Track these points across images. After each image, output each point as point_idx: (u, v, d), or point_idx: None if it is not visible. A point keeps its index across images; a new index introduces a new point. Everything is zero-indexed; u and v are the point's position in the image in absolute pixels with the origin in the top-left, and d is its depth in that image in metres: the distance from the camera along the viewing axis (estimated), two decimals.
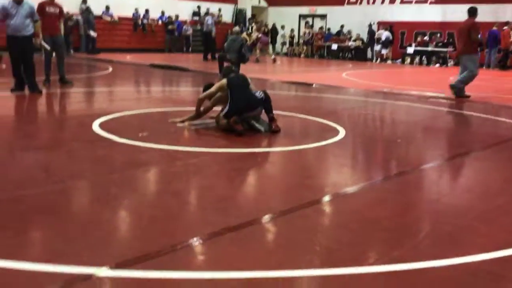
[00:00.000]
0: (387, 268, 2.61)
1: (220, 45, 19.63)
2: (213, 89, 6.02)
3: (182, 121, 6.14)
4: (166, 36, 23.25)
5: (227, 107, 5.77)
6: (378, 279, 2.54)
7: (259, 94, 5.89)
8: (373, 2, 23.69)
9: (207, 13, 22.55)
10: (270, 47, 21.86)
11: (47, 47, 9.17)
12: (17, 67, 8.35)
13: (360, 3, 24.08)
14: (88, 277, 2.38)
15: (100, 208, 3.35)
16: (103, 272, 2.41)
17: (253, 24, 22.82)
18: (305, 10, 26.11)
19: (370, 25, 22.64)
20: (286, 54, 25.12)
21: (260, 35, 19.59)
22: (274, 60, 19.53)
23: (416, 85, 12.07)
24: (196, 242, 2.84)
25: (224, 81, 5.96)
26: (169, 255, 2.65)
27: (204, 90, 6.34)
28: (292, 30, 25.04)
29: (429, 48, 20.97)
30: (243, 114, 5.81)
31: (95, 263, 2.48)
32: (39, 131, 6.07)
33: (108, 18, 21.79)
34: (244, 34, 18.63)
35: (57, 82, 9.62)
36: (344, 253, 2.80)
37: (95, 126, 5.79)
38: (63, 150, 4.96)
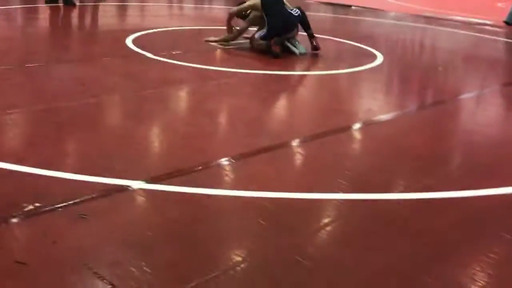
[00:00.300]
0: (417, 196, 2.60)
1: None
2: (245, 4, 5.76)
3: (217, 41, 6.00)
4: None
5: (265, 30, 5.55)
6: (408, 206, 2.54)
7: (295, 12, 5.65)
8: None
9: None
10: None
11: None
12: None
13: None
14: (124, 188, 2.45)
15: (134, 124, 3.39)
16: (138, 184, 2.48)
17: None
18: None
19: None
20: None
21: None
22: None
23: (461, 10, 11.45)
24: (228, 161, 2.87)
25: (258, 0, 5.69)
26: (202, 172, 2.69)
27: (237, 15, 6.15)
28: None
29: None
30: (281, 35, 5.62)
31: (130, 176, 2.54)
32: (74, 45, 6.08)
33: None
34: None
35: None
36: (374, 179, 2.79)
37: (129, 41, 5.75)
38: (98, 64, 4.97)
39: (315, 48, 5.66)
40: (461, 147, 3.50)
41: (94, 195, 2.37)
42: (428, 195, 2.61)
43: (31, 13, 8.00)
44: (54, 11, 8.09)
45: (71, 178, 2.52)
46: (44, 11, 8.07)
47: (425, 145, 3.39)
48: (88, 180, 2.50)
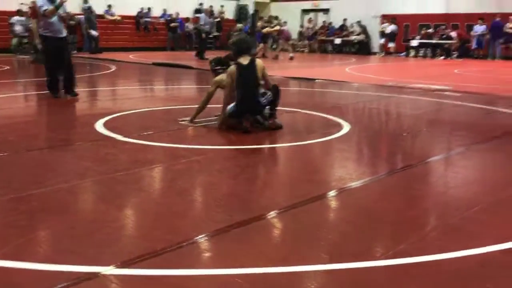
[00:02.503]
0: (393, 262, 2.60)
1: (224, 42, 19.62)
2: (227, 79, 5.74)
3: (191, 120, 6.08)
4: (168, 34, 23.24)
5: (233, 107, 5.63)
6: (384, 273, 2.53)
7: (266, 99, 5.70)
8: None
9: (200, 11, 21.99)
10: (280, 43, 19.79)
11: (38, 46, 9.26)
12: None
13: None
14: (95, 275, 2.38)
15: (106, 207, 3.36)
16: (109, 270, 2.41)
17: (258, 22, 22.63)
18: (307, 4, 26.03)
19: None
20: (286, 50, 25.04)
21: (281, 28, 18.87)
22: (292, 59, 18.18)
23: (421, 78, 12.01)
24: (201, 239, 2.84)
25: (234, 69, 5.66)
26: (174, 252, 2.65)
27: (214, 64, 6.30)
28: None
29: (434, 41, 20.87)
30: (246, 116, 5.69)
31: (101, 261, 2.49)
32: (43, 131, 6.08)
33: (110, 17, 21.80)
34: (261, 27, 18.15)
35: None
36: (350, 248, 2.79)
37: (99, 125, 5.80)
38: (69, 149, 4.97)
39: (269, 128, 5.73)
40: (432, 209, 3.55)
41: (64, 284, 2.30)
42: (403, 261, 2.61)
43: (6, 103, 8.03)
44: (20, 99, 8.14)
45: (40, 268, 2.45)
46: (16, 101, 8.11)
47: (397, 210, 3.43)
48: (58, 270, 2.43)
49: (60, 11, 7.88)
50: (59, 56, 8.00)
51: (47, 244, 2.86)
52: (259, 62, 5.77)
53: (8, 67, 14.05)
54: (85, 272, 2.40)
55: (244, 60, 5.67)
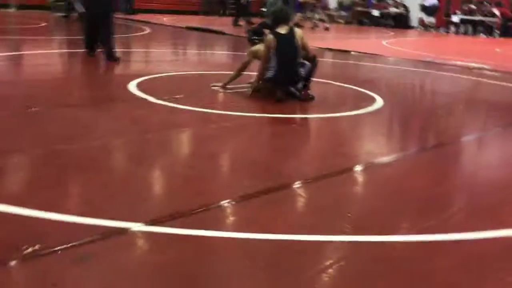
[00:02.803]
0: (419, 238, 2.58)
1: (258, 9, 19.30)
2: (264, 48, 5.61)
3: (223, 86, 6.07)
4: None
5: (272, 73, 5.55)
6: (410, 248, 2.52)
7: (304, 69, 5.63)
8: None
9: None
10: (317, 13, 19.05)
11: (79, 9, 9.25)
12: None
13: None
14: (124, 231, 2.44)
15: (136, 166, 3.41)
16: (139, 227, 2.47)
17: None
18: None
19: None
20: (323, 21, 24.54)
21: None
22: (327, 29, 17.66)
23: (460, 55, 11.65)
24: (228, 203, 2.87)
25: (271, 39, 5.51)
26: (202, 214, 2.69)
27: (251, 34, 6.25)
28: None
29: (476, 17, 20.14)
30: (281, 86, 5.66)
31: (130, 218, 2.54)
32: (78, 89, 6.18)
33: None
34: None
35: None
36: (376, 221, 2.78)
37: (132, 86, 5.85)
38: (102, 108, 5.04)
39: (302, 98, 5.68)
40: (462, 189, 3.49)
41: (94, 238, 2.36)
42: (429, 237, 2.59)
43: (43, 59, 8.18)
44: (62, 58, 8.27)
45: (71, 220, 2.51)
46: (52, 58, 8.24)
47: (426, 188, 3.38)
48: (88, 223, 2.49)
49: None
50: (98, 15, 7.84)
51: (78, 198, 2.93)
52: (298, 31, 5.68)
53: (45, 24, 14.24)
54: (115, 227, 2.46)
55: (283, 29, 5.58)
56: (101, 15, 7.80)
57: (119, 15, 18.44)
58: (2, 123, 4.18)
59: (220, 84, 6.12)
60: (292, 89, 5.83)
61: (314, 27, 17.67)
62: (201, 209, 2.73)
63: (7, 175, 3.19)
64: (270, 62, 5.54)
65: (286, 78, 5.60)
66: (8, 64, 7.71)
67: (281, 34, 5.52)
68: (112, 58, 7.89)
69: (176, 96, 5.48)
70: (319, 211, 2.88)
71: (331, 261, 2.33)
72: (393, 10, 22.68)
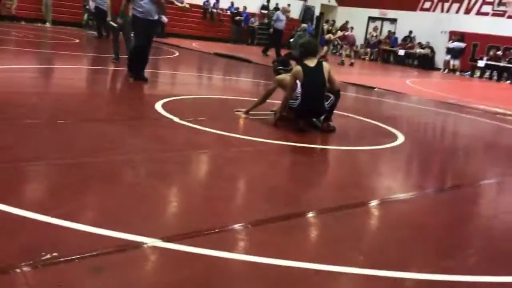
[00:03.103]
0: (432, 277, 2.56)
1: (285, 41, 19.58)
2: (291, 79, 5.64)
3: (246, 111, 6.15)
4: (232, 26, 23.50)
5: (297, 104, 5.57)
6: (423, 287, 2.50)
7: (329, 102, 5.69)
8: (448, 10, 22.91)
9: (278, 8, 21.99)
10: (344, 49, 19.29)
11: (114, 25, 9.50)
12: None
13: (434, 10, 23.35)
14: (139, 245, 2.48)
15: (156, 183, 3.47)
16: (155, 242, 2.50)
17: (324, 24, 22.44)
18: (375, 12, 25.62)
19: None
20: (349, 56, 24.77)
21: (345, 33, 18.50)
22: (352, 64, 17.87)
23: (483, 100, 11.61)
24: (244, 226, 2.89)
25: (299, 70, 5.55)
26: (217, 234, 2.71)
27: (277, 64, 6.34)
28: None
29: (501, 64, 20.08)
30: (305, 117, 5.72)
31: (147, 233, 2.58)
32: (107, 105, 6.32)
33: (179, 4, 22.27)
34: (327, 30, 17.76)
35: (126, 60, 9.93)
36: (390, 257, 2.76)
37: (159, 106, 5.97)
38: (127, 124, 5.15)
39: (323, 130, 5.73)
40: (479, 232, 3.46)
41: (110, 250, 2.41)
42: (443, 277, 2.57)
43: (74, 73, 8.41)
44: (91, 74, 8.48)
45: (90, 231, 2.56)
46: (82, 73, 8.46)
47: (443, 228, 3.36)
48: (106, 234, 2.54)
49: None
50: (147, 38, 7.78)
51: (98, 210, 2.98)
52: (326, 64, 5.75)
53: (78, 40, 14.65)
54: (131, 241, 2.50)
55: (311, 62, 5.65)
56: (150, 32, 7.87)
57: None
58: (31, 132, 4.29)
59: (243, 109, 6.20)
60: (315, 119, 5.89)
61: (340, 63, 17.77)
62: (217, 230, 2.76)
63: (33, 183, 3.28)
64: (295, 93, 5.60)
65: (310, 110, 5.66)
66: (40, 76, 7.94)
67: (309, 66, 5.59)
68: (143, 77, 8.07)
69: (200, 118, 5.57)
70: (334, 242, 2.88)
71: None
72: (418, 50, 22.77)
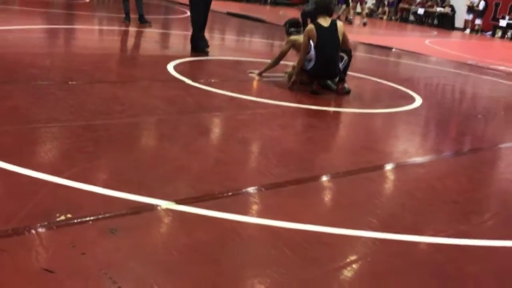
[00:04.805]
0: (450, 241, 2.53)
1: None
2: (304, 38, 5.49)
3: (259, 73, 6.06)
4: None
5: (311, 65, 5.46)
6: (440, 250, 2.47)
7: (343, 63, 5.57)
8: None
9: None
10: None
11: None
12: None
13: None
14: (153, 207, 2.47)
15: (169, 145, 3.45)
16: (168, 205, 2.50)
17: None
18: None
19: None
20: (366, 15, 24.10)
21: None
22: (365, 24, 17.01)
23: (504, 61, 11.30)
24: (257, 189, 2.87)
25: (313, 29, 5.40)
26: (231, 198, 2.70)
27: (289, 26, 6.22)
28: None
29: None
30: (320, 77, 5.63)
31: (160, 195, 2.57)
32: (118, 66, 6.27)
33: None
34: None
35: (136, 20, 9.81)
36: (406, 220, 2.73)
37: (170, 67, 5.90)
38: (139, 86, 5.10)
39: (339, 92, 5.62)
40: (497, 196, 3.40)
41: (124, 212, 2.40)
42: (461, 241, 2.54)
43: (85, 34, 8.33)
44: (103, 34, 8.38)
45: (103, 193, 2.56)
46: (93, 34, 8.37)
47: (460, 191, 3.31)
48: (119, 197, 2.53)
49: None
50: (206, 11, 7.33)
51: (111, 172, 2.97)
52: (340, 24, 5.58)
53: (88, 0, 14.46)
54: (145, 203, 2.50)
55: (325, 22, 5.48)
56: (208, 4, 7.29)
57: None
58: (43, 94, 4.27)
59: (256, 71, 6.11)
60: (329, 81, 5.78)
61: (348, 21, 17.09)
62: (230, 193, 2.74)
63: (45, 145, 3.27)
64: (308, 56, 5.48)
65: (325, 72, 5.54)
66: (50, 37, 7.88)
67: (323, 26, 5.44)
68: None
69: (212, 80, 5.49)
70: (349, 206, 2.85)
71: (357, 256, 2.31)
72: (438, 9, 22.12)
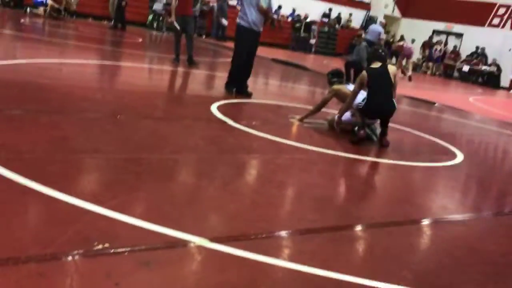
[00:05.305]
0: None
1: (342, 49, 19.26)
2: (356, 84, 5.60)
3: (301, 119, 6.13)
4: (292, 33, 23.49)
5: (364, 102, 5.50)
6: None
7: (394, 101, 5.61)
8: None
9: (328, 15, 20.67)
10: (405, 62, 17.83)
11: (177, 26, 9.71)
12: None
13: (503, 26, 22.41)
14: (188, 243, 2.51)
15: (207, 183, 3.50)
16: (202, 242, 2.52)
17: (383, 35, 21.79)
18: (440, 25, 24.89)
19: None
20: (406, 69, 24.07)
21: (403, 44, 17.72)
22: (410, 79, 16.40)
23: None
24: (291, 234, 2.86)
25: (365, 75, 5.52)
26: (265, 240, 2.70)
27: (332, 76, 6.32)
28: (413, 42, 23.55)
29: None
30: (375, 117, 5.61)
31: (195, 232, 2.60)
32: (165, 104, 6.47)
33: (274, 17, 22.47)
34: (385, 42, 17.03)
35: (185, 62, 10.14)
36: (441, 278, 2.65)
37: (214, 108, 6.04)
38: (183, 124, 5.24)
39: (383, 145, 5.59)
40: None
41: (159, 245, 2.45)
42: None
43: (135, 72, 8.68)
44: (153, 73, 8.70)
45: (140, 225, 2.62)
46: (144, 72, 8.70)
47: (499, 253, 3.19)
48: (155, 230, 2.58)
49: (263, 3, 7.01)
50: (250, 49, 7.28)
51: (149, 205, 3.03)
52: (392, 67, 5.68)
53: (141, 40, 15.11)
54: (180, 239, 2.54)
55: (376, 65, 5.61)
56: (254, 44, 7.31)
57: (210, 40, 19.25)
58: (91, 126, 4.45)
59: (297, 117, 6.18)
60: (369, 131, 5.77)
61: (404, 75, 16.95)
62: (264, 235, 2.75)
63: (89, 174, 3.39)
64: (357, 103, 5.56)
65: (379, 107, 5.50)
66: (102, 72, 8.25)
67: (374, 68, 5.56)
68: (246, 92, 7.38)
69: (254, 123, 5.59)
70: (383, 258, 2.80)
71: None
72: (484, 68, 21.91)
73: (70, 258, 2.20)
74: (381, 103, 5.50)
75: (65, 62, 8.25)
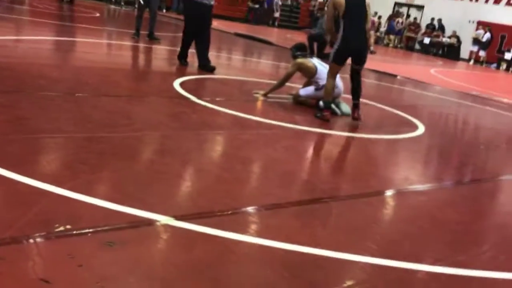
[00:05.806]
0: (448, 270, 2.52)
1: (305, 22, 19.22)
2: (329, 8, 5.35)
3: (265, 94, 6.10)
4: (249, 6, 23.11)
5: (337, 43, 5.26)
6: (434, 279, 2.46)
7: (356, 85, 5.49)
8: (477, 0, 22.34)
9: None
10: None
11: (141, 1, 9.47)
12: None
13: None
14: (153, 222, 2.48)
15: (171, 161, 3.46)
16: (167, 220, 2.50)
17: None
18: None
19: None
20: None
21: None
22: (372, 52, 15.97)
23: (508, 93, 11.36)
24: (257, 209, 2.87)
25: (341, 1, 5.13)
26: (231, 216, 2.70)
27: (295, 49, 6.26)
28: (379, 17, 23.90)
29: None
30: (350, 56, 5.34)
31: (160, 211, 2.58)
32: (125, 80, 6.32)
33: None
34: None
35: (145, 37, 9.92)
36: (404, 247, 2.73)
37: (176, 84, 5.95)
38: (145, 101, 5.15)
39: (355, 118, 5.58)
40: (495, 228, 3.39)
41: (123, 225, 2.41)
42: (459, 271, 2.53)
43: (94, 48, 8.43)
44: (111, 49, 8.47)
45: (103, 205, 2.57)
46: (102, 47, 8.46)
47: (460, 221, 3.30)
48: (119, 210, 2.54)
49: None
50: (200, 25, 7.25)
51: (112, 185, 2.98)
52: None
53: (98, 14, 14.66)
54: (144, 218, 2.50)
55: None
56: (203, 17, 7.23)
57: (171, 14, 18.85)
58: (50, 104, 4.31)
59: (262, 92, 6.16)
60: (333, 106, 5.81)
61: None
62: (230, 212, 2.75)
63: (49, 155, 3.29)
64: (316, 78, 5.53)
65: (356, 45, 5.29)
66: (59, 49, 7.97)
67: None
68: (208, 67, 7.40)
69: (217, 99, 5.53)
70: (348, 230, 2.84)
71: (354, 281, 2.30)
72: (444, 39, 22.30)
73: (31, 241, 2.14)
74: (356, 40, 5.26)
75: (20, 38, 7.93)
